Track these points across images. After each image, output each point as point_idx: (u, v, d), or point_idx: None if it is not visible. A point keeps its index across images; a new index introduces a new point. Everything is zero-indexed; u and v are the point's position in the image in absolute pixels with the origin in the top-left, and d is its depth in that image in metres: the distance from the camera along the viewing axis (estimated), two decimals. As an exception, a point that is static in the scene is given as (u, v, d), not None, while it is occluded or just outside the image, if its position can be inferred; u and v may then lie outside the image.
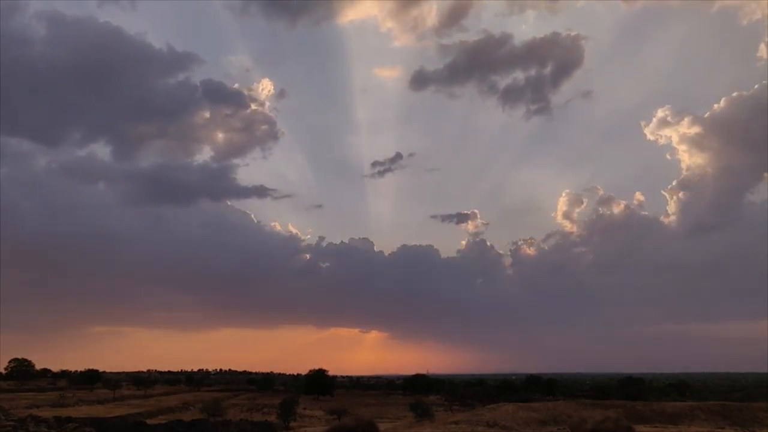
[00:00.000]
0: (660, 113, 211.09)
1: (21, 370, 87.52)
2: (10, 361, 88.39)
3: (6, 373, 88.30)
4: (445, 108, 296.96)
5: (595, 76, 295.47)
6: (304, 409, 44.86)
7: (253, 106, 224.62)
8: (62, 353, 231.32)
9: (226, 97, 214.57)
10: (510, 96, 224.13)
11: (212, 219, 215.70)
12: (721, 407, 35.39)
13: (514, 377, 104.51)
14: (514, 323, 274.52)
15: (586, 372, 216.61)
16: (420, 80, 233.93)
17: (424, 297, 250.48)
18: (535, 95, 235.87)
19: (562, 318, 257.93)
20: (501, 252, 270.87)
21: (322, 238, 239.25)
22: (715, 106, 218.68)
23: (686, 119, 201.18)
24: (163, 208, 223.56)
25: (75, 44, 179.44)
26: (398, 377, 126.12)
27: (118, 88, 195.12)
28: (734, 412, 34.02)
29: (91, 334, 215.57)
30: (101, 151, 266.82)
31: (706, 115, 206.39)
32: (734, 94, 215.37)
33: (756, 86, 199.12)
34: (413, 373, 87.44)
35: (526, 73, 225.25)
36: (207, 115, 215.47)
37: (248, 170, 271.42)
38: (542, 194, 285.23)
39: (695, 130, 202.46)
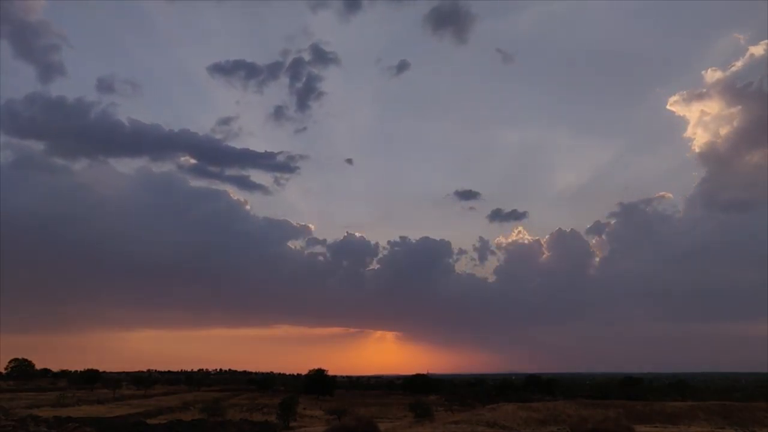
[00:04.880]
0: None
1: (21, 370, 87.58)
2: (10, 361, 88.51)
3: (6, 373, 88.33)
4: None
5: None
6: (304, 409, 44.84)
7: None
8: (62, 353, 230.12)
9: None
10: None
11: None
12: (721, 407, 35.43)
13: (514, 377, 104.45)
14: (514, 323, 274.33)
15: (586, 372, 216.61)
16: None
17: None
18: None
19: (562, 317, 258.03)
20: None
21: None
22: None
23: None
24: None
25: None
26: (398, 377, 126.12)
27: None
28: (734, 412, 34.05)
29: (92, 334, 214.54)
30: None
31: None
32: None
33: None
34: (413, 373, 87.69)
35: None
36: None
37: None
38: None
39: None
